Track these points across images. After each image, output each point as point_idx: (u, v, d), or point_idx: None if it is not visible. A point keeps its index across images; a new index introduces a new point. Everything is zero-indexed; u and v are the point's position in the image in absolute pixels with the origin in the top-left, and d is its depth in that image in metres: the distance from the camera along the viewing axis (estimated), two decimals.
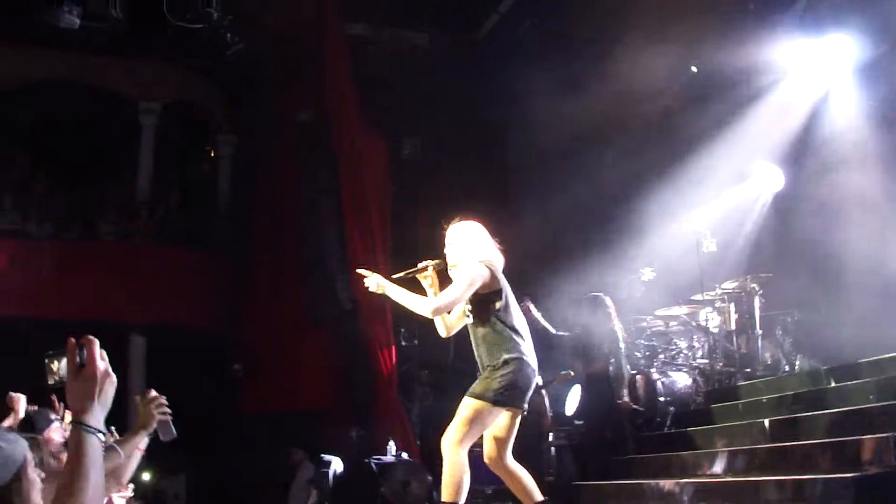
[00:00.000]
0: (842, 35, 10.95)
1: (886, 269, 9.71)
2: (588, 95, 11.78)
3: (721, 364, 10.94)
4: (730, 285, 11.16)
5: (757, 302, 10.86)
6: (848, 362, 8.84)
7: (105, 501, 4.44)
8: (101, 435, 2.45)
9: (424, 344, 13.32)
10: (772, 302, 11.08)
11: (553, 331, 10.26)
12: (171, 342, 15.14)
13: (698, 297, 11.16)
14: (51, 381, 2.86)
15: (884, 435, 6.22)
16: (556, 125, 12.60)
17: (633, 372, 10.33)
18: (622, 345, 9.93)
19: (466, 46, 15.35)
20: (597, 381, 9.94)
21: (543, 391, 10.22)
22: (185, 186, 17.60)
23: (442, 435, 5.79)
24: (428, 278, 6.10)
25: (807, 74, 11.50)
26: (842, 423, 7.19)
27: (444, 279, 6.07)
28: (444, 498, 5.64)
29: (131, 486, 4.94)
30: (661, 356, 11.35)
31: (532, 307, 10.10)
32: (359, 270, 6.18)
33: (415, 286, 6.07)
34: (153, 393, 4.52)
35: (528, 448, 6.22)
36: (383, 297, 6.12)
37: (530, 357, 5.85)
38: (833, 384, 8.53)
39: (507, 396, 5.67)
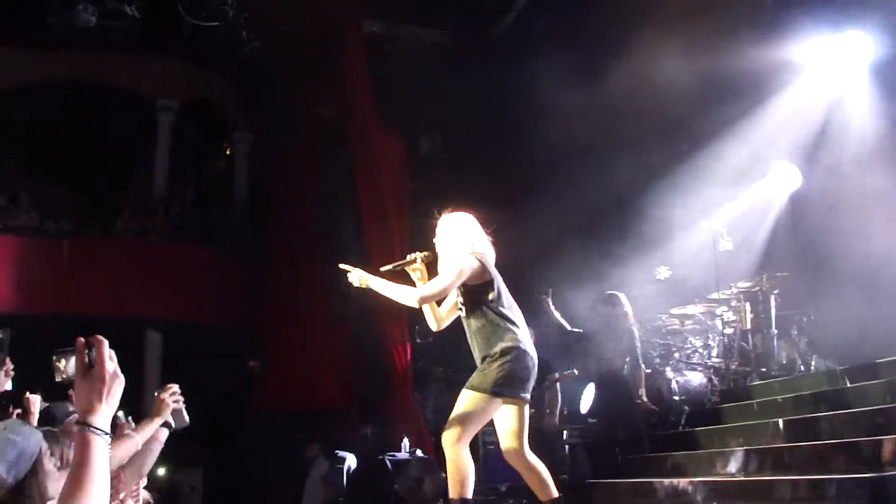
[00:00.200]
0: (858, 33, 10.90)
1: None
2: (603, 93, 11.76)
3: (736, 363, 10.92)
4: (745, 284, 11.13)
5: (772, 301, 10.84)
6: (864, 362, 8.79)
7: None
8: (107, 437, 2.46)
9: (439, 341, 13.31)
10: (787, 301, 11.05)
11: (569, 327, 10.25)
12: (187, 339, 15.22)
13: (714, 295, 11.14)
14: (58, 379, 2.88)
15: None
16: (571, 123, 12.59)
17: (648, 370, 10.31)
18: (639, 344, 9.92)
19: (482, 44, 15.36)
20: (611, 379, 9.92)
21: (557, 386, 10.19)
22: (201, 184, 17.66)
23: None
24: (417, 271, 6.04)
25: (823, 72, 11.45)
26: (857, 424, 7.17)
27: (434, 272, 5.99)
28: (451, 495, 5.60)
29: (144, 479, 4.97)
30: (676, 355, 11.33)
31: (550, 302, 10.11)
32: (341, 266, 6.07)
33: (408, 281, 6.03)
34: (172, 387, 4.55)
35: (537, 446, 6.13)
36: (368, 291, 6.01)
37: (528, 346, 5.77)
38: (849, 384, 8.49)
39: (505, 387, 5.60)
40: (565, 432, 10.81)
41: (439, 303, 6.11)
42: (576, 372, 9.96)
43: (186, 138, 17.14)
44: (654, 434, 9.97)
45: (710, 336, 11.45)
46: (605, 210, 13.14)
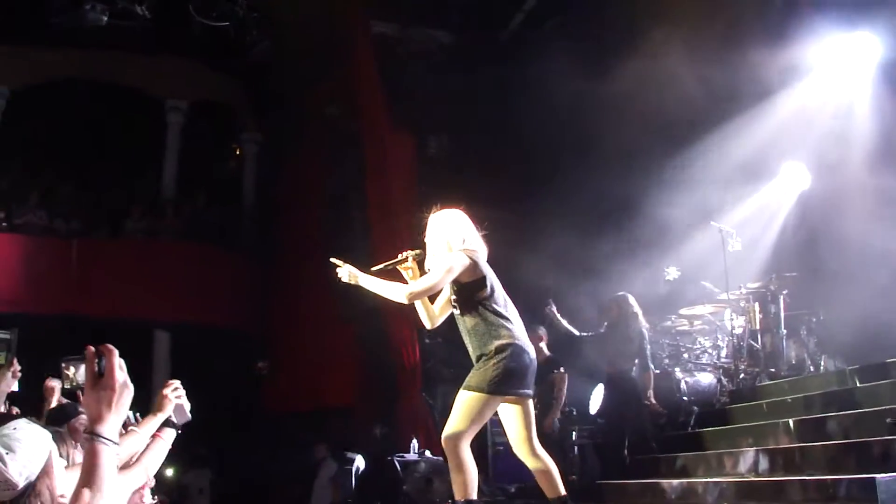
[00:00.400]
0: (866, 33, 10.88)
1: None
2: (613, 93, 11.74)
3: (745, 364, 10.89)
4: (754, 285, 11.12)
5: (782, 301, 10.82)
6: (874, 362, 8.76)
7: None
8: (115, 446, 2.46)
9: (448, 341, 13.31)
10: (797, 301, 11.02)
11: (577, 333, 10.24)
12: (196, 339, 15.24)
13: (723, 296, 11.12)
14: (67, 386, 2.88)
15: None
16: (580, 123, 12.58)
17: (657, 371, 10.31)
18: (648, 345, 9.91)
19: (492, 44, 15.35)
20: (620, 380, 9.92)
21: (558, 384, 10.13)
22: (210, 184, 17.71)
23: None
24: (409, 269, 6.01)
25: (832, 73, 11.43)
26: (867, 424, 7.15)
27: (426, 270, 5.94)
28: (456, 497, 5.58)
29: (152, 480, 4.96)
30: (686, 355, 11.33)
31: (555, 312, 10.11)
32: (332, 260, 6.03)
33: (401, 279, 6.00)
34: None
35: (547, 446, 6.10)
36: (353, 288, 5.97)
37: (524, 342, 5.71)
38: (858, 384, 8.47)
39: (503, 385, 5.55)
40: (574, 433, 10.82)
41: (432, 300, 6.05)
42: (562, 369, 9.89)
43: (196, 139, 17.17)
44: (663, 435, 9.97)
45: (720, 336, 11.44)
46: (613, 211, 13.11)
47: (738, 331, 11.11)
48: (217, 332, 15.62)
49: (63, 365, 2.91)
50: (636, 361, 9.87)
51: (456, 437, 5.53)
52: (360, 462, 12.09)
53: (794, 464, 7.22)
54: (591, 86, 11.92)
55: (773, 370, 10.67)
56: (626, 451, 9.72)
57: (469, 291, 5.76)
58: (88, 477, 2.39)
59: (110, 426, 2.44)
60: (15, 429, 2.82)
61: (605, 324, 10.12)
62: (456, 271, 5.68)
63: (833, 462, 6.83)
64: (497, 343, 5.61)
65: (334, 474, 12.61)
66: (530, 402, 5.78)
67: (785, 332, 10.79)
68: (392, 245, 13.50)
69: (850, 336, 10.24)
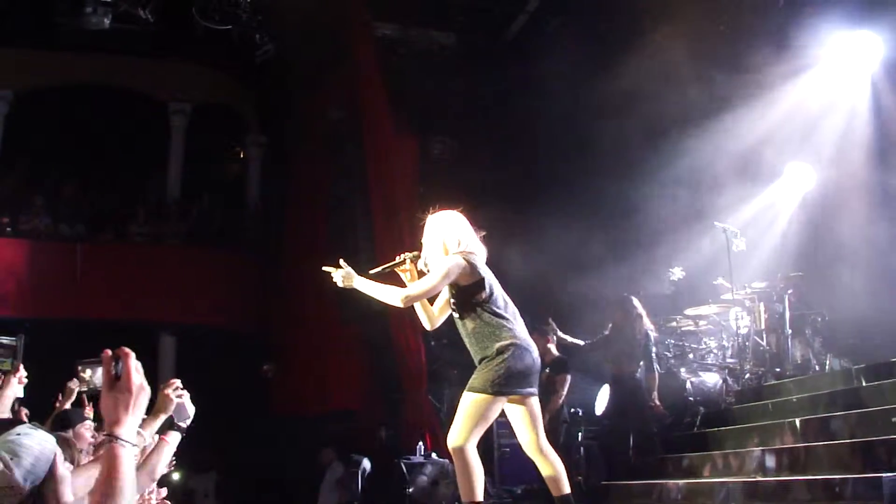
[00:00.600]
0: (869, 33, 10.88)
1: None
2: (617, 94, 11.74)
3: (751, 364, 10.89)
4: (760, 285, 11.11)
5: (787, 301, 10.81)
6: (879, 361, 8.75)
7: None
8: (134, 447, 2.47)
9: (453, 343, 13.28)
10: (802, 301, 11.02)
11: (582, 343, 10.25)
12: (201, 342, 15.25)
13: (728, 296, 11.11)
14: (83, 389, 2.88)
15: None
16: (584, 124, 12.58)
17: (663, 372, 10.30)
18: (654, 347, 9.91)
19: (495, 46, 15.35)
20: (625, 381, 9.92)
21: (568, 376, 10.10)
22: (215, 187, 17.70)
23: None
24: (407, 272, 6.01)
25: (836, 73, 11.43)
26: (873, 423, 7.14)
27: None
28: (463, 499, 5.57)
29: (164, 490, 4.98)
30: (691, 356, 11.32)
31: (556, 330, 10.10)
32: (325, 268, 5.99)
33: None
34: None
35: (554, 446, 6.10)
36: (353, 291, 5.94)
37: (527, 341, 5.70)
38: (864, 383, 8.45)
39: (505, 385, 5.53)
40: (580, 434, 10.82)
41: (431, 301, 6.04)
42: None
43: (200, 141, 17.18)
44: (669, 435, 9.97)
45: (725, 337, 11.43)
46: (618, 211, 13.11)
47: (744, 331, 11.10)
48: (222, 335, 15.64)
49: (79, 368, 2.91)
50: (641, 363, 9.87)
51: (461, 440, 5.50)
52: (366, 464, 12.10)
53: (800, 463, 7.21)
54: (594, 86, 11.92)
55: (778, 370, 10.67)
56: (631, 452, 9.73)
57: (467, 294, 5.74)
58: (109, 478, 2.40)
59: (128, 428, 2.46)
60: (19, 434, 2.83)
61: (610, 326, 10.12)
62: (452, 275, 5.66)
63: (839, 461, 6.81)
64: (499, 344, 5.59)
65: (340, 476, 12.61)
66: (534, 400, 5.76)
67: (790, 331, 10.78)
68: (396, 247, 13.53)
69: (855, 335, 10.24)
